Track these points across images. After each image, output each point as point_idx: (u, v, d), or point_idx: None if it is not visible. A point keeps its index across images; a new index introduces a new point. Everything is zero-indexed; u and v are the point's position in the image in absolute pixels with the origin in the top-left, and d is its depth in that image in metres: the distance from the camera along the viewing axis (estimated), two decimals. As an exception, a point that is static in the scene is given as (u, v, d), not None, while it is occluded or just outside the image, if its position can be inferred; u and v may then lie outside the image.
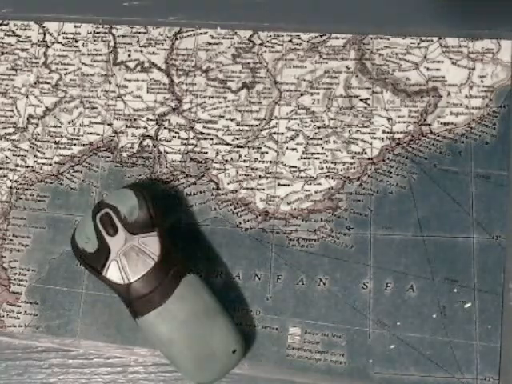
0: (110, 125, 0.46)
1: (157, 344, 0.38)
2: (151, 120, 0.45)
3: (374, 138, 0.43)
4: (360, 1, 0.46)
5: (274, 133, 0.44)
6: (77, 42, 0.48)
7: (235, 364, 0.38)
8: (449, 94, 0.43)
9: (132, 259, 0.37)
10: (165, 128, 0.45)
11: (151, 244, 0.38)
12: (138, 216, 0.39)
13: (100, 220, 0.39)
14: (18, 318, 0.43)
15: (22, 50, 0.48)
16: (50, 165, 0.45)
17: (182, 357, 0.37)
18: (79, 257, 0.39)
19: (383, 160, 0.43)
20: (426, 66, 0.44)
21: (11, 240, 0.44)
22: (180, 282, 0.37)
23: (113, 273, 0.38)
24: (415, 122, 0.43)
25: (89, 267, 0.39)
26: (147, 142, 0.45)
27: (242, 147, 0.44)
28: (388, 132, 0.43)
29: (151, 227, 0.38)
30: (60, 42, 0.48)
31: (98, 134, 0.46)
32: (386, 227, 0.41)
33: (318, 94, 0.44)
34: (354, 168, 0.43)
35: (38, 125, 0.46)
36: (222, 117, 0.45)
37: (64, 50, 0.48)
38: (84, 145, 0.46)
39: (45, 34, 0.48)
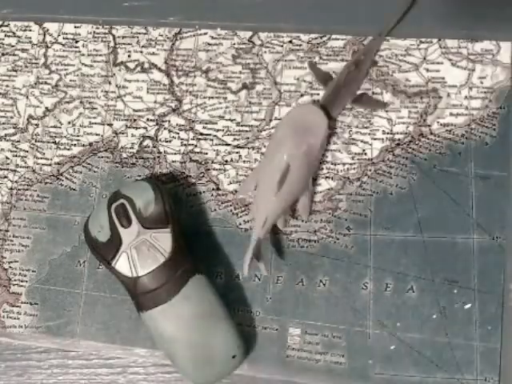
0: (110, 125, 0.46)
1: (158, 340, 0.38)
2: (151, 120, 0.45)
3: (374, 139, 0.43)
4: (360, 2, 0.46)
5: (274, 133, 0.44)
6: (77, 42, 0.48)
7: (234, 368, 0.38)
8: (448, 95, 0.43)
9: (143, 253, 0.37)
10: (165, 128, 0.45)
11: (163, 240, 0.38)
12: (153, 210, 0.39)
13: (115, 210, 0.39)
14: (18, 319, 0.43)
15: (22, 50, 0.48)
16: (50, 165, 0.45)
17: (182, 356, 0.37)
18: (90, 245, 0.40)
19: (383, 161, 0.43)
20: (425, 67, 0.44)
21: (11, 241, 0.44)
22: (188, 281, 0.38)
23: (122, 265, 0.38)
24: (415, 123, 0.43)
25: (99, 256, 0.39)
26: (147, 142, 0.45)
27: (241, 148, 0.44)
28: (388, 133, 0.43)
29: (165, 223, 0.38)
30: (60, 43, 0.48)
31: (98, 135, 0.46)
32: (385, 228, 0.41)
33: (318, 94, 0.44)
34: (354, 169, 0.43)
35: (38, 125, 0.46)
36: (222, 117, 0.45)
37: (64, 51, 0.48)
38: (84, 145, 0.46)
39: (45, 35, 0.48)
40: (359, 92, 0.44)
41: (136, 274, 0.37)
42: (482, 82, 0.43)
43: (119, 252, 0.38)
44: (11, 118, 0.47)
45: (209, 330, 0.37)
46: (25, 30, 0.48)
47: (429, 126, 0.43)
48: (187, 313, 0.37)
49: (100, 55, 0.47)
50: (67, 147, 0.46)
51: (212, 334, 0.37)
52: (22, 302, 0.43)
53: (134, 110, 0.46)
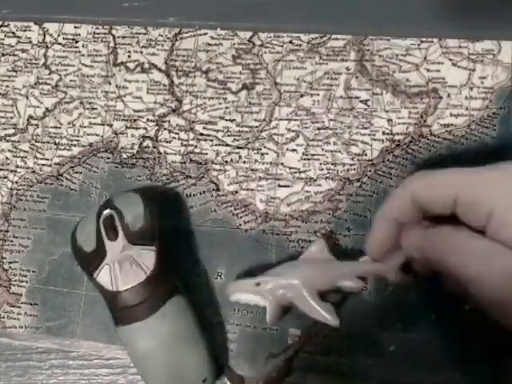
0: (110, 126, 0.46)
1: (131, 356, 0.38)
2: (151, 121, 0.45)
3: (374, 140, 0.43)
4: (360, 2, 0.46)
5: (274, 134, 0.44)
6: (77, 42, 0.48)
7: None
8: (449, 95, 0.43)
9: (125, 268, 0.37)
10: (165, 129, 0.45)
11: (147, 258, 0.37)
12: (140, 226, 0.38)
13: (103, 222, 0.38)
14: (18, 319, 0.43)
15: (22, 51, 0.48)
16: (50, 166, 0.45)
17: (154, 374, 0.37)
18: (75, 253, 0.39)
19: (383, 161, 0.43)
20: (426, 67, 0.44)
21: (11, 241, 0.44)
22: (167, 301, 0.37)
23: (103, 277, 0.37)
24: (415, 124, 0.43)
25: (82, 265, 0.39)
26: (147, 142, 0.45)
27: (242, 148, 0.44)
28: (388, 133, 0.43)
29: (151, 240, 0.38)
30: (60, 43, 0.48)
31: (98, 135, 0.46)
32: (385, 228, 0.41)
33: (318, 95, 0.44)
34: (354, 169, 0.43)
35: (37, 126, 0.46)
36: (222, 118, 0.45)
37: (64, 51, 0.48)
38: (84, 146, 0.46)
39: (45, 35, 0.48)
40: None
41: (116, 288, 0.37)
42: (482, 82, 0.43)
43: (102, 264, 0.37)
44: (11, 118, 0.47)
45: (182, 352, 0.37)
46: (25, 31, 0.48)
47: (429, 126, 0.43)
48: (162, 333, 0.37)
49: (100, 55, 0.47)
50: (67, 148, 0.46)
51: (185, 356, 0.37)
52: (22, 303, 0.43)
53: (134, 111, 0.46)
